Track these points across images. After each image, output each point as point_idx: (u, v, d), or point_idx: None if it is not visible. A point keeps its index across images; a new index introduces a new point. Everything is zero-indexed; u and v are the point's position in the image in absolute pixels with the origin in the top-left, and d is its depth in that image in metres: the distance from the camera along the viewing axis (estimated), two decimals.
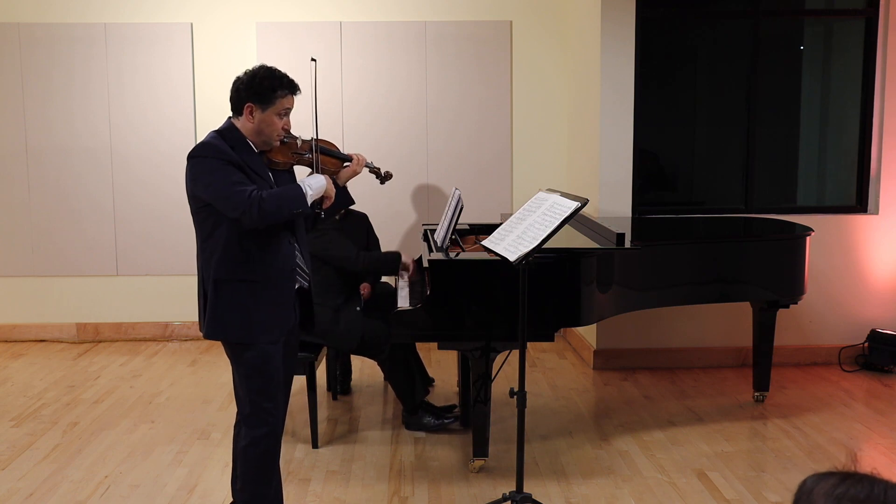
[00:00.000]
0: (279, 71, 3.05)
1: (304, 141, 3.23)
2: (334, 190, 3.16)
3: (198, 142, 3.29)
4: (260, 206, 2.87)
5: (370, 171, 3.52)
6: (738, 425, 4.53)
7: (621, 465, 4.02)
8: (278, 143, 3.11)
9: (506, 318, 3.76)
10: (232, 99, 3.06)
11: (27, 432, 4.45)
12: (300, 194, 2.99)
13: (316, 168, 3.22)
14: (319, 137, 3.28)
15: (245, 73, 3.05)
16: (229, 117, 3.10)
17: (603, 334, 5.55)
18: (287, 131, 3.12)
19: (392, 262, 4.54)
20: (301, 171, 3.26)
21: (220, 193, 2.90)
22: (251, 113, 3.01)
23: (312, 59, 3.34)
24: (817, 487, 1.30)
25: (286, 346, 3.19)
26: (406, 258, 4.58)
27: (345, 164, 3.33)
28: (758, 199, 5.71)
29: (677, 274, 4.38)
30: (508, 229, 3.44)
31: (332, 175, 3.28)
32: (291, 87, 3.04)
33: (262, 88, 2.99)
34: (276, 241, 3.03)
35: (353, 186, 3.45)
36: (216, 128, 3.09)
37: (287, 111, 3.07)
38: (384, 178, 3.59)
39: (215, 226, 2.98)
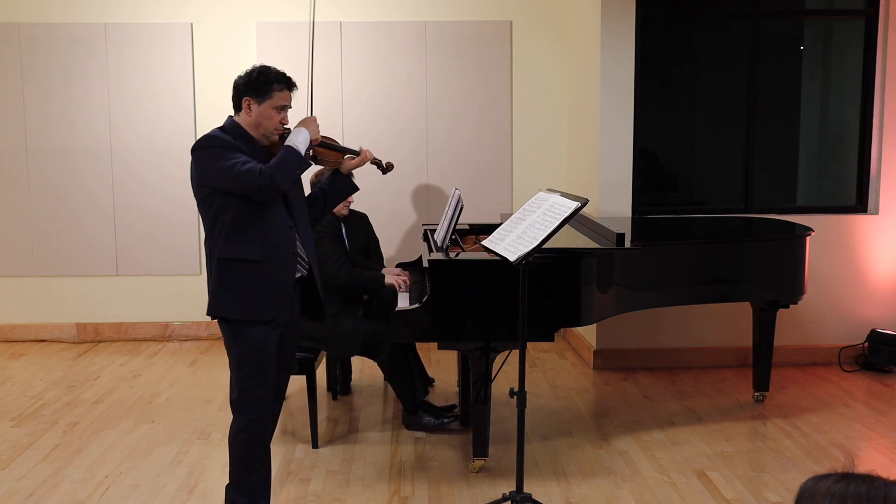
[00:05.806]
0: (275, 68, 3.19)
1: None
2: (319, 134, 3.27)
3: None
4: (271, 174, 3.00)
5: (371, 163, 3.50)
6: (738, 425, 4.53)
7: (621, 465, 4.02)
8: (277, 137, 3.19)
9: (506, 318, 3.75)
10: (232, 97, 3.20)
11: (27, 432, 4.45)
12: (297, 156, 3.12)
13: (317, 162, 3.35)
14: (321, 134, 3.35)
15: (243, 72, 3.21)
16: (230, 116, 3.23)
17: (603, 334, 5.55)
18: (286, 127, 3.22)
19: (374, 284, 4.46)
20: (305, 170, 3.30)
21: (230, 174, 3.02)
22: (249, 107, 3.14)
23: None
24: (818, 486, 1.32)
25: (285, 339, 3.27)
26: (390, 279, 4.46)
27: (347, 155, 3.42)
28: (758, 199, 5.71)
29: (677, 274, 4.38)
30: (508, 229, 3.44)
31: (335, 166, 3.44)
32: (287, 83, 3.17)
33: (259, 83, 3.13)
34: (276, 224, 3.14)
35: None
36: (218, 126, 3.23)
37: (284, 107, 3.18)
38: (385, 168, 3.58)
39: (220, 210, 3.09)
